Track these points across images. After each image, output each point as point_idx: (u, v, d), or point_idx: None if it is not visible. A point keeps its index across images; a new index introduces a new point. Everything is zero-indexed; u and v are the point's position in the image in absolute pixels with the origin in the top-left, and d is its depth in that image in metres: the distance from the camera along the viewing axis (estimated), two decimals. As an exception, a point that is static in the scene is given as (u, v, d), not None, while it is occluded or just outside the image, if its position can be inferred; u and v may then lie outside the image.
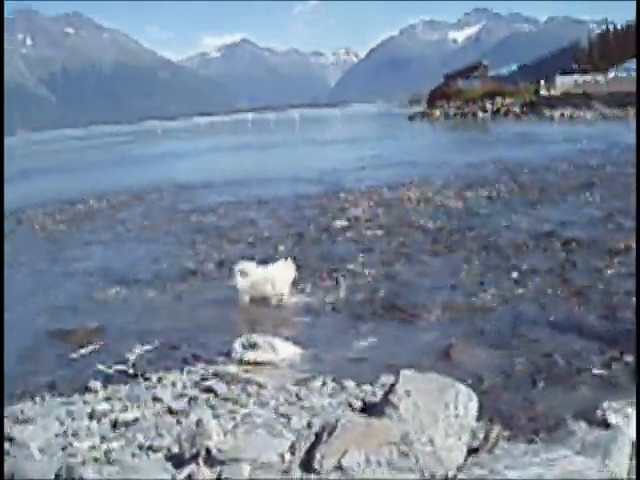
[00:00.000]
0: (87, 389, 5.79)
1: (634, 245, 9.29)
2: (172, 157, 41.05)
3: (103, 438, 4.51)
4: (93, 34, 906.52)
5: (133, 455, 4.17)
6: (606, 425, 4.07)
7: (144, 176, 27.77)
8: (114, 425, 4.77)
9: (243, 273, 8.15)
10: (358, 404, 4.69)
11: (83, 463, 4.06)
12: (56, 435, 4.58)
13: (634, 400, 4.72)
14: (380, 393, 4.64)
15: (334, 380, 5.46)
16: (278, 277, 8.22)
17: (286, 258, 8.54)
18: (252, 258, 8.82)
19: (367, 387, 5.29)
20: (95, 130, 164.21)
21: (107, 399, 5.40)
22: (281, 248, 11.24)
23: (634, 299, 7.24)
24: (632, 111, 45.22)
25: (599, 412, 4.23)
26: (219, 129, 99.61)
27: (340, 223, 13.10)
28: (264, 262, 8.64)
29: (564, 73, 78.35)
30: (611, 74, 69.14)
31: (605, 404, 4.36)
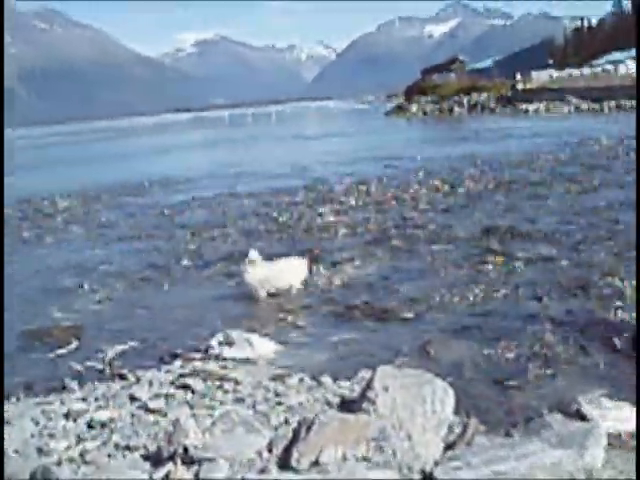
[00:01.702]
0: (63, 389, 5.74)
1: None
2: (149, 154, 40.84)
3: (79, 438, 4.47)
4: (68, 30, 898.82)
5: (109, 455, 4.14)
6: (582, 417, 4.12)
7: (127, 171, 27.74)
8: (90, 425, 4.73)
9: (253, 265, 8.04)
10: (336, 400, 4.69)
11: (59, 464, 4.03)
12: (32, 436, 4.53)
13: (609, 392, 4.78)
14: (358, 389, 4.64)
15: (312, 377, 5.45)
16: (290, 271, 8.18)
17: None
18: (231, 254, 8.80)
19: (345, 383, 5.28)
20: (72, 127, 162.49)
21: (83, 399, 5.35)
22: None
23: (609, 290, 7.33)
24: (606, 104, 45.82)
25: (575, 405, 4.28)
26: (195, 125, 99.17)
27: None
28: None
29: (539, 68, 78.97)
30: (586, 69, 69.81)
31: (581, 397, 4.40)
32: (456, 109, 60.64)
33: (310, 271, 8.50)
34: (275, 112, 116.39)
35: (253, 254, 8.11)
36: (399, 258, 9.73)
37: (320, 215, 13.60)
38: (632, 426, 4.06)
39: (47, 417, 4.89)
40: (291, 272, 8.19)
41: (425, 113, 62.79)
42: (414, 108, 65.81)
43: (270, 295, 8.14)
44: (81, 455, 4.20)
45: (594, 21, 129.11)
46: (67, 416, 4.91)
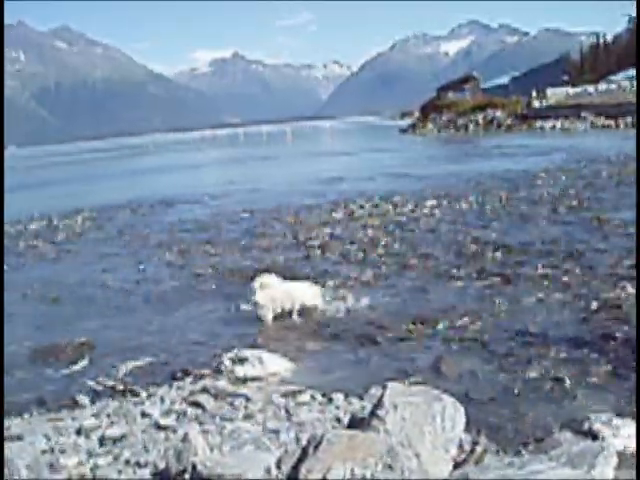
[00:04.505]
0: (75, 405, 5.77)
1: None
2: (166, 171, 41.17)
3: (90, 454, 4.50)
4: (85, 49, 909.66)
5: (119, 471, 4.16)
6: (593, 436, 4.09)
7: (148, 188, 28.00)
8: (101, 441, 4.75)
9: (263, 287, 8.00)
10: (346, 418, 4.68)
11: (70, 479, 4.05)
12: (43, 452, 4.56)
13: (621, 410, 4.74)
14: (369, 406, 4.63)
15: (323, 394, 5.44)
16: (302, 294, 8.13)
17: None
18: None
19: (355, 400, 5.28)
20: (87, 145, 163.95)
21: (95, 415, 5.39)
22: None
23: (622, 309, 7.28)
24: (621, 121, 45.63)
25: (586, 423, 4.25)
26: (211, 144, 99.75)
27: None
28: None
29: (555, 84, 78.92)
30: (602, 86, 69.65)
31: (592, 415, 4.37)
32: (471, 127, 60.62)
33: (321, 293, 8.43)
34: (290, 130, 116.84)
35: (265, 276, 8.14)
36: (409, 278, 9.69)
37: (331, 236, 13.60)
38: (645, 445, 4.02)
39: (59, 433, 4.92)
40: (303, 295, 8.15)
41: (440, 131, 62.83)
42: (430, 126, 65.86)
43: (281, 316, 8.12)
44: (92, 471, 4.22)
45: (609, 37, 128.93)
46: (79, 432, 4.95)
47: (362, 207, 16.77)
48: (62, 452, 4.54)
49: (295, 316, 8.06)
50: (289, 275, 9.13)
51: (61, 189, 34.01)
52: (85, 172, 49.92)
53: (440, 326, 7.29)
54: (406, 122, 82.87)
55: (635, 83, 64.88)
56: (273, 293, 7.99)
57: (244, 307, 8.51)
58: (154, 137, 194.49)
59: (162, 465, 3.97)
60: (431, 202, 16.57)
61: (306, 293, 8.16)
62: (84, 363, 7.07)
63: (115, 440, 4.72)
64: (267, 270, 9.08)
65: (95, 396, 5.99)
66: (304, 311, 8.09)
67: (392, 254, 11.15)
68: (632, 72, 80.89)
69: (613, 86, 67.66)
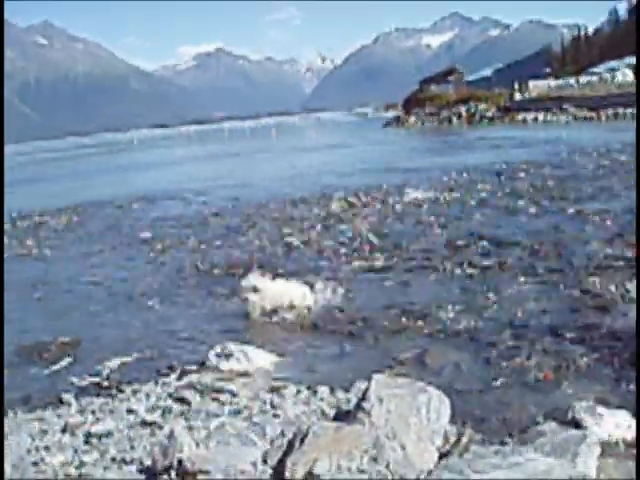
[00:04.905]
0: (61, 403, 5.74)
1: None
2: (151, 167, 41.03)
3: (75, 451, 4.48)
4: (66, 44, 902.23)
5: (105, 468, 4.15)
6: (577, 425, 4.12)
7: (133, 184, 27.87)
8: (87, 438, 4.73)
9: (254, 285, 7.94)
10: (332, 411, 4.69)
11: (55, 479, 4.03)
12: (28, 450, 4.54)
13: (606, 399, 4.79)
14: (354, 399, 4.64)
15: (308, 388, 5.45)
16: (290, 293, 8.08)
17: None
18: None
19: (342, 394, 5.29)
20: (70, 142, 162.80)
21: (80, 412, 5.37)
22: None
23: (606, 296, 7.35)
24: (603, 113, 45.97)
25: (570, 412, 4.28)
26: (195, 139, 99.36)
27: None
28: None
29: (537, 77, 79.28)
30: (583, 78, 70.06)
31: (576, 404, 4.41)
32: (454, 120, 60.78)
33: (308, 291, 8.40)
34: (274, 125, 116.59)
35: (254, 274, 8.12)
36: (394, 271, 9.71)
37: (313, 227, 13.61)
38: (628, 434, 4.06)
39: (44, 431, 4.89)
40: (291, 293, 8.12)
41: (423, 124, 62.93)
42: (412, 119, 65.94)
43: (268, 313, 8.09)
44: (77, 468, 4.21)
45: (591, 30, 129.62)
46: (64, 430, 4.92)
47: (347, 201, 16.78)
48: (47, 450, 4.52)
49: (282, 313, 8.04)
50: (276, 271, 9.13)
51: (44, 186, 33.77)
52: (69, 169, 49.54)
53: (425, 319, 7.31)
54: (391, 115, 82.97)
55: (617, 75, 65.43)
56: (262, 290, 7.97)
57: (230, 303, 8.50)
58: (137, 133, 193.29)
59: (148, 461, 3.97)
60: (415, 195, 16.62)
61: (294, 290, 8.14)
62: (69, 360, 7.03)
63: (101, 437, 4.70)
64: (254, 266, 9.08)
65: (80, 393, 5.95)
66: (291, 308, 8.08)
67: (378, 247, 11.17)
68: (613, 64, 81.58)
69: (594, 78, 68.06)
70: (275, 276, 8.46)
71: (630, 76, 64.73)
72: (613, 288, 7.61)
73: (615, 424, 4.11)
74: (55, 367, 6.88)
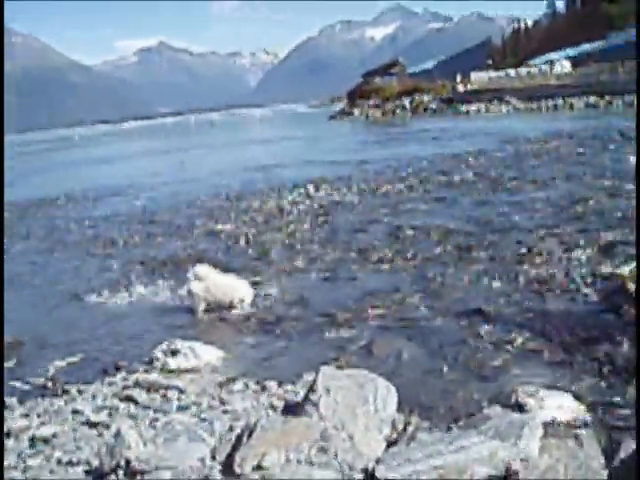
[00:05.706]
0: (3, 407, 5.60)
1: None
2: (95, 163, 40.32)
3: (20, 456, 4.39)
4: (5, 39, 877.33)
5: (51, 471, 4.08)
6: (520, 409, 4.21)
7: (76, 181, 27.30)
8: (32, 442, 4.64)
9: (198, 277, 7.89)
10: (280, 404, 4.70)
11: (-1, 482, 3.94)
12: (-30, 457, 4.42)
13: (551, 382, 4.91)
14: (302, 392, 4.66)
15: (257, 382, 5.45)
16: (237, 284, 8.03)
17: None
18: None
19: (290, 387, 5.30)
20: (9, 138, 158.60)
21: (24, 415, 5.25)
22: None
23: (548, 284, 7.53)
24: (543, 104, 47.03)
25: (513, 396, 4.37)
26: (140, 135, 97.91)
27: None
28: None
29: (479, 69, 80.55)
30: (523, 70, 71.45)
31: (520, 388, 4.51)
32: (398, 111, 61.34)
33: (253, 287, 8.35)
34: (218, 119, 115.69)
35: (199, 267, 8.05)
36: (341, 264, 9.75)
37: (266, 222, 13.60)
38: (569, 415, 4.17)
39: (-14, 436, 4.77)
40: (237, 287, 8.07)
41: (368, 116, 63.31)
42: (357, 112, 66.28)
43: (213, 309, 8.04)
44: (22, 472, 4.12)
45: (530, 22, 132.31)
46: (8, 434, 4.81)
47: (293, 195, 16.77)
48: (-10, 455, 4.41)
49: (229, 307, 7.99)
50: (221, 266, 9.06)
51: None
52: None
53: (372, 310, 7.37)
54: (335, 108, 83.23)
55: (555, 66, 66.93)
56: (207, 284, 7.91)
57: (175, 299, 8.43)
58: (79, 129, 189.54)
59: (95, 462, 3.91)
60: (362, 187, 16.73)
61: (240, 286, 8.09)
62: (12, 362, 6.87)
63: (46, 440, 4.62)
64: (200, 261, 8.99)
65: (24, 396, 5.83)
66: (238, 302, 8.03)
67: (325, 242, 11.20)
68: (552, 55, 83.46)
69: (534, 69, 69.51)
70: (221, 271, 8.40)
71: (567, 67, 66.37)
72: (556, 274, 7.81)
73: (558, 406, 4.22)
74: (-3, 370, 6.71)
